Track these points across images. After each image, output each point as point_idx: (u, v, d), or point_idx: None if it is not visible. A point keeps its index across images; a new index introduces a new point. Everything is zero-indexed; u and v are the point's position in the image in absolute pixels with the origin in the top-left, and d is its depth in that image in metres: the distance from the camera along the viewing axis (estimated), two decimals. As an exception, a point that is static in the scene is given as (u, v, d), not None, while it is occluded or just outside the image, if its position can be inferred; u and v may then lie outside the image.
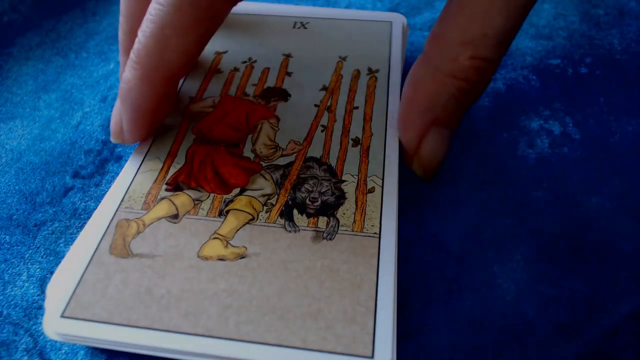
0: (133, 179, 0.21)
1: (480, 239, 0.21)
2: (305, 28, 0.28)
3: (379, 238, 0.19)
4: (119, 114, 0.21)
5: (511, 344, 0.18)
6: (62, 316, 0.17)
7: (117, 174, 0.23)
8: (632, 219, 0.22)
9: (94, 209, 0.20)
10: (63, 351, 0.18)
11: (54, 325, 0.17)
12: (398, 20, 0.28)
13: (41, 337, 0.19)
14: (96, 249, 0.19)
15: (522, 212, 0.22)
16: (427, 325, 0.19)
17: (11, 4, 0.33)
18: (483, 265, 0.20)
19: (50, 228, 0.22)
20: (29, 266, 0.21)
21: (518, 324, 0.19)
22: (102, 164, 0.24)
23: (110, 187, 0.21)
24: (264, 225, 0.20)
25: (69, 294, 0.17)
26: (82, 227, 0.22)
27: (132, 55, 0.19)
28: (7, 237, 0.22)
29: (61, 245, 0.21)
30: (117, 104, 0.21)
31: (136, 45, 0.19)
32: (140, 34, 0.19)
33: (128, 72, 0.19)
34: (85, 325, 0.17)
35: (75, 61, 0.30)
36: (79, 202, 0.23)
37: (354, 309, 0.17)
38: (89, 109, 0.27)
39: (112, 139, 0.22)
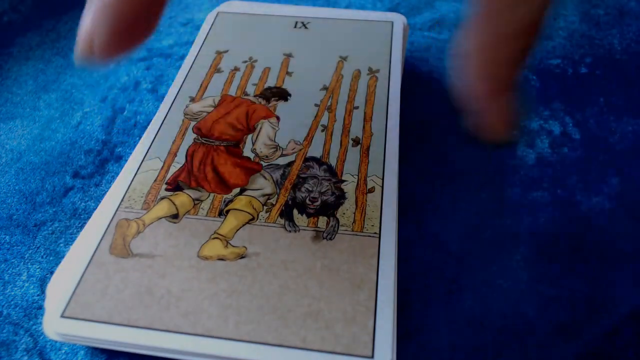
0: (133, 179, 0.21)
1: (480, 239, 0.21)
2: (306, 28, 0.28)
3: (379, 238, 0.19)
4: (92, 22, 0.18)
5: (511, 344, 0.18)
6: (62, 316, 0.17)
7: (117, 174, 0.23)
8: (632, 219, 0.22)
9: (94, 209, 0.20)
10: (63, 351, 0.18)
11: (54, 325, 0.17)
12: (398, 20, 0.28)
13: (41, 337, 0.19)
14: (96, 249, 0.19)
15: (522, 212, 0.22)
16: (427, 325, 0.19)
17: (11, 4, 0.33)
18: (483, 265, 0.20)
19: (50, 228, 0.22)
20: (29, 266, 0.21)
21: (518, 324, 0.19)
22: (102, 164, 0.24)
23: (110, 187, 0.21)
24: (264, 225, 0.20)
25: (69, 294, 0.17)
26: (82, 227, 0.22)
27: None
28: (7, 237, 0.22)
29: (61, 245, 0.21)
30: (91, 11, 0.18)
31: None
32: None
33: None
34: (85, 325, 0.17)
35: (75, 61, 0.30)
36: (79, 202, 0.23)
37: (354, 309, 0.17)
38: (89, 109, 0.27)
39: (80, 53, 0.18)
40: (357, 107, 0.24)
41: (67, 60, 0.30)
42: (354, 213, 0.20)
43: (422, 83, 0.28)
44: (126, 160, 0.22)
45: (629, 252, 0.20)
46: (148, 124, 0.23)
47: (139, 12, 0.18)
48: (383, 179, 0.21)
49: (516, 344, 0.18)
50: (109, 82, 0.28)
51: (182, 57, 0.29)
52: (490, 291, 0.19)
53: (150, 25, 0.19)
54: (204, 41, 0.28)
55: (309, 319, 0.17)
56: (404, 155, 0.22)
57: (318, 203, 0.20)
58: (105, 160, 0.24)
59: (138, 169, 0.21)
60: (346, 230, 0.19)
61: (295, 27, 0.28)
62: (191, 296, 0.17)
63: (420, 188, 0.23)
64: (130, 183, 0.21)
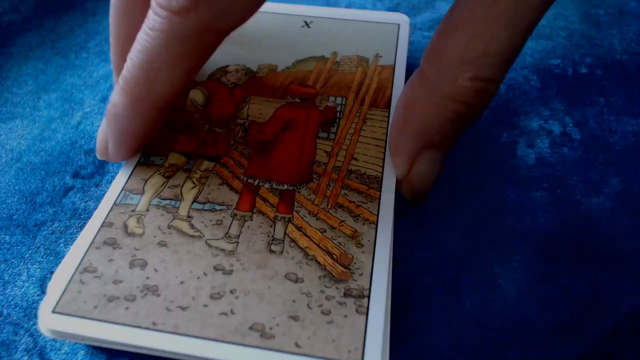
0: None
1: (480, 239, 0.21)
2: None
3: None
4: (105, 134, 0.21)
5: (511, 344, 0.18)
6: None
7: (117, 174, 0.23)
8: (632, 219, 0.22)
9: (94, 209, 0.20)
10: (63, 351, 0.18)
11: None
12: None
13: (41, 337, 0.19)
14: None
15: (522, 212, 0.22)
16: (427, 325, 0.19)
17: (11, 4, 0.33)
18: (483, 265, 0.20)
19: (50, 228, 0.22)
20: (29, 266, 0.21)
21: (518, 324, 0.19)
22: (102, 164, 0.24)
23: (110, 187, 0.21)
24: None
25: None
26: (82, 227, 0.22)
27: (120, 81, 0.19)
28: (7, 237, 0.22)
29: (61, 245, 0.21)
30: (104, 124, 0.21)
31: (125, 72, 0.19)
32: (128, 61, 0.18)
33: (116, 97, 0.19)
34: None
35: (75, 61, 0.30)
36: (79, 202, 0.23)
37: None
38: (89, 109, 0.27)
39: (98, 156, 0.22)
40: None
41: (67, 60, 0.30)
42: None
43: (422, 83, 0.28)
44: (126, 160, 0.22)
45: (629, 252, 0.20)
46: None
47: (137, 124, 0.20)
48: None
49: (516, 344, 0.18)
50: (109, 82, 0.28)
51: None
52: (490, 291, 0.19)
53: (150, 137, 0.22)
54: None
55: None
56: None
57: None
58: (105, 160, 0.24)
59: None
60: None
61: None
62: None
63: (420, 188, 0.23)
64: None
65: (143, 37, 0.18)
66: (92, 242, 0.19)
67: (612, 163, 0.24)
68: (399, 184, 0.20)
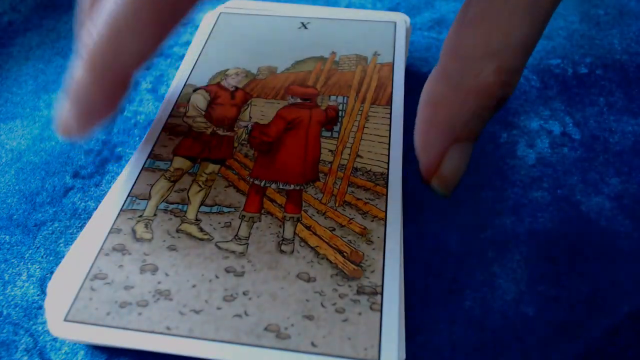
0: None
1: (480, 239, 0.21)
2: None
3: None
4: (66, 110, 0.19)
5: (511, 344, 0.18)
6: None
7: (117, 174, 0.23)
8: (632, 219, 0.22)
9: (94, 209, 0.20)
10: (63, 351, 0.18)
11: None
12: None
13: (41, 337, 0.19)
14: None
15: (522, 212, 0.22)
16: (428, 325, 0.19)
17: (11, 4, 0.33)
18: (483, 265, 0.20)
19: (50, 228, 0.22)
20: (29, 266, 0.21)
21: (518, 324, 0.19)
22: (102, 164, 0.24)
23: (110, 187, 0.21)
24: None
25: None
26: (82, 227, 0.22)
27: (83, 52, 0.17)
28: (7, 237, 0.22)
29: (61, 245, 0.21)
30: (64, 98, 0.19)
31: (88, 41, 0.17)
32: (92, 29, 0.17)
33: (79, 69, 0.18)
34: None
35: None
36: (79, 202, 0.23)
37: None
38: (89, 109, 0.27)
39: (58, 133, 0.20)
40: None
41: (67, 60, 0.30)
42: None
43: (422, 83, 0.28)
44: (126, 161, 0.22)
45: (629, 252, 0.20)
46: (148, 124, 0.23)
47: (102, 98, 0.18)
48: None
49: (516, 344, 0.18)
50: (109, 82, 0.28)
51: (182, 57, 0.29)
52: (490, 291, 0.19)
53: (115, 108, 0.19)
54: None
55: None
56: (404, 155, 0.22)
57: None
58: (105, 160, 0.24)
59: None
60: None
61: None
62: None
63: (420, 188, 0.23)
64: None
65: (109, 3, 0.16)
66: (101, 248, 0.19)
67: (612, 163, 0.24)
68: (427, 180, 0.20)
